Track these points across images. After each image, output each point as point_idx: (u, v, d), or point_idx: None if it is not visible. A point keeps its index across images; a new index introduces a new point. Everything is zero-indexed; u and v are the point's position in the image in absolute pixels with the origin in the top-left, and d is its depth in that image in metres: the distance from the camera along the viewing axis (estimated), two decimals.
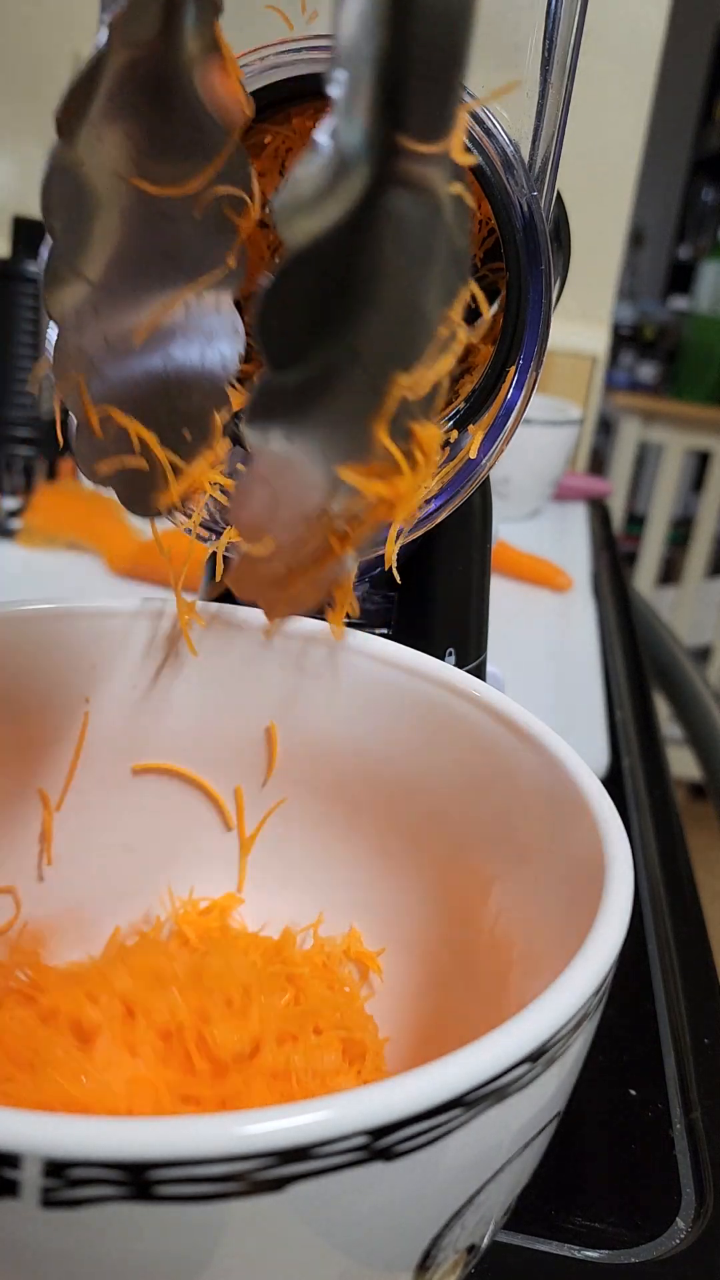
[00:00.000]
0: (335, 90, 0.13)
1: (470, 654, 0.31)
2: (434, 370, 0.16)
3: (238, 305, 0.20)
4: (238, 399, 0.21)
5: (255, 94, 0.24)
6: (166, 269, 0.19)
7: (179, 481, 0.21)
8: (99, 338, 0.19)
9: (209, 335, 0.20)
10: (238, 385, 0.21)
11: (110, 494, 0.20)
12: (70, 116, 0.16)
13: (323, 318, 0.15)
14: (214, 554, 0.25)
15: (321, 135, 0.13)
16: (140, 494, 0.20)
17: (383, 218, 0.14)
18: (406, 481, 0.16)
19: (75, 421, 0.19)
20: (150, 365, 0.19)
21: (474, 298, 0.30)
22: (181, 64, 0.17)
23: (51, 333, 0.18)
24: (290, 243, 0.14)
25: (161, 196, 0.18)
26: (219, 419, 0.21)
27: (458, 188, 0.15)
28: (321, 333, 0.15)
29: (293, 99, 0.24)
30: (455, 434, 0.25)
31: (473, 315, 0.30)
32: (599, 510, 0.94)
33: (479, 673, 0.31)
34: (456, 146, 0.14)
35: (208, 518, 0.25)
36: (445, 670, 0.23)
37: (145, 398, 0.20)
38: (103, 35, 0.16)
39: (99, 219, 0.18)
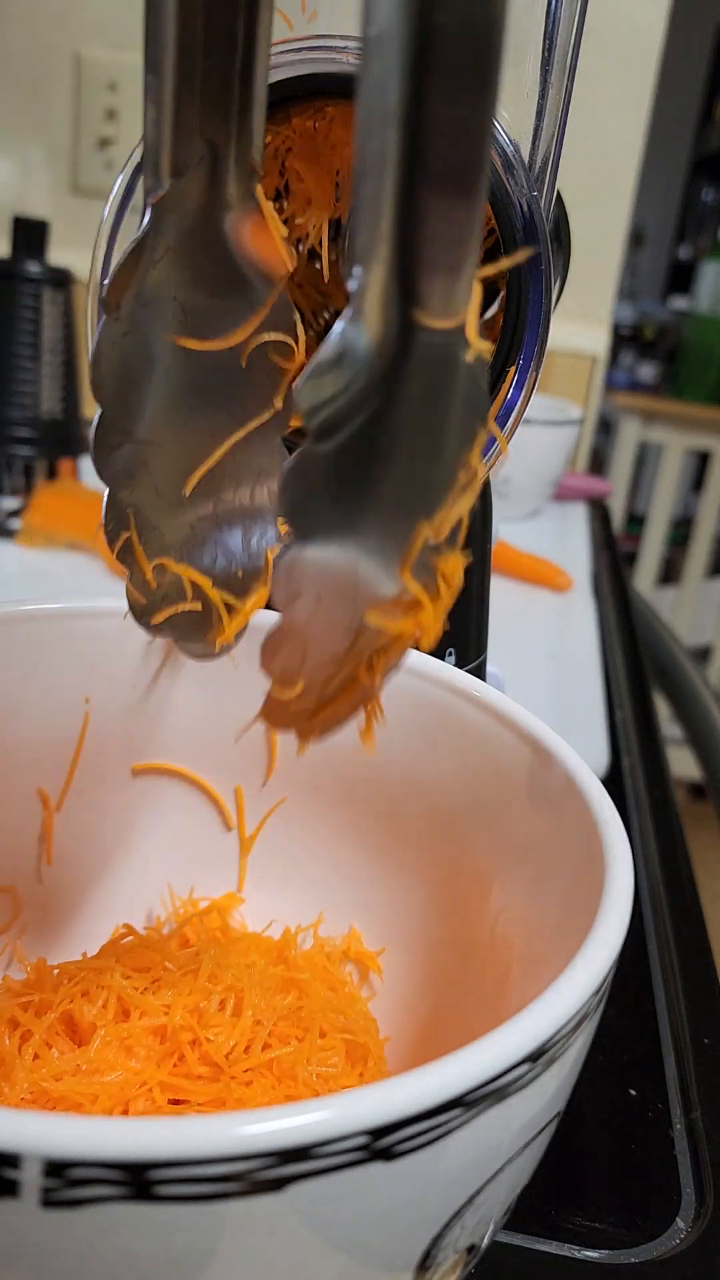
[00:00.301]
0: (352, 285, 0.14)
1: (470, 654, 0.30)
2: (455, 510, 0.16)
3: (285, 443, 0.21)
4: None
5: None
6: (214, 417, 0.20)
7: (233, 620, 0.21)
8: (150, 491, 0.19)
9: (257, 475, 0.21)
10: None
11: (166, 637, 0.21)
12: (118, 294, 0.17)
13: (344, 483, 0.15)
14: None
15: (339, 325, 0.14)
16: (195, 636, 0.21)
17: (401, 391, 0.15)
18: (429, 615, 0.17)
19: (128, 576, 0.20)
20: (200, 510, 0.20)
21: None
22: (223, 227, 0.18)
23: (104, 494, 0.19)
24: (310, 427, 0.14)
25: (207, 351, 0.19)
26: (270, 555, 0.22)
27: (474, 354, 0.15)
28: (343, 497, 0.16)
29: (293, 99, 0.24)
30: None
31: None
32: (599, 510, 0.94)
33: (479, 673, 0.31)
34: (471, 323, 0.15)
35: None
36: (445, 670, 0.23)
37: (196, 541, 0.20)
38: (147, 216, 0.17)
39: (147, 380, 0.18)
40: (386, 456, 0.15)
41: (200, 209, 0.17)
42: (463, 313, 0.14)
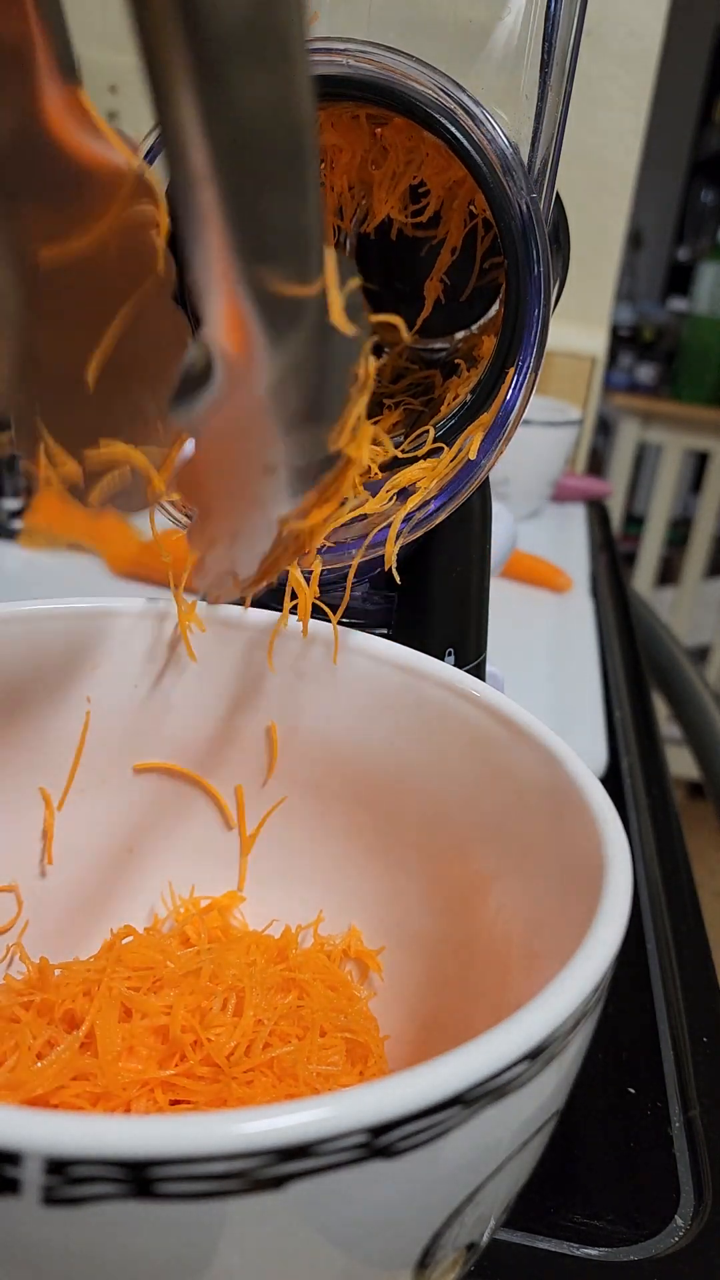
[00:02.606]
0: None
1: (470, 654, 0.31)
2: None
3: (179, 300, 0.21)
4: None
5: None
6: (96, 302, 0.19)
7: (161, 470, 0.21)
8: (50, 391, 0.19)
9: (158, 339, 0.20)
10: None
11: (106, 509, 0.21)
12: None
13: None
14: None
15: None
16: (130, 496, 0.21)
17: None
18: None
19: (48, 480, 0.20)
20: (107, 388, 0.20)
21: (476, 293, 0.30)
22: (51, 138, 0.17)
23: (11, 421, 0.19)
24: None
25: (69, 258, 0.18)
26: None
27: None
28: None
29: None
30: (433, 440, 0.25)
31: (473, 314, 0.30)
32: (598, 511, 0.94)
33: (479, 673, 0.31)
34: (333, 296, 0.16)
35: None
36: (445, 670, 0.23)
37: (109, 416, 0.20)
38: None
39: (11, 300, 0.18)
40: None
41: (17, 124, 0.16)
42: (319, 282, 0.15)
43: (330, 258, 0.15)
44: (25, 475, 0.21)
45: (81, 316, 0.19)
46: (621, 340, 2.34)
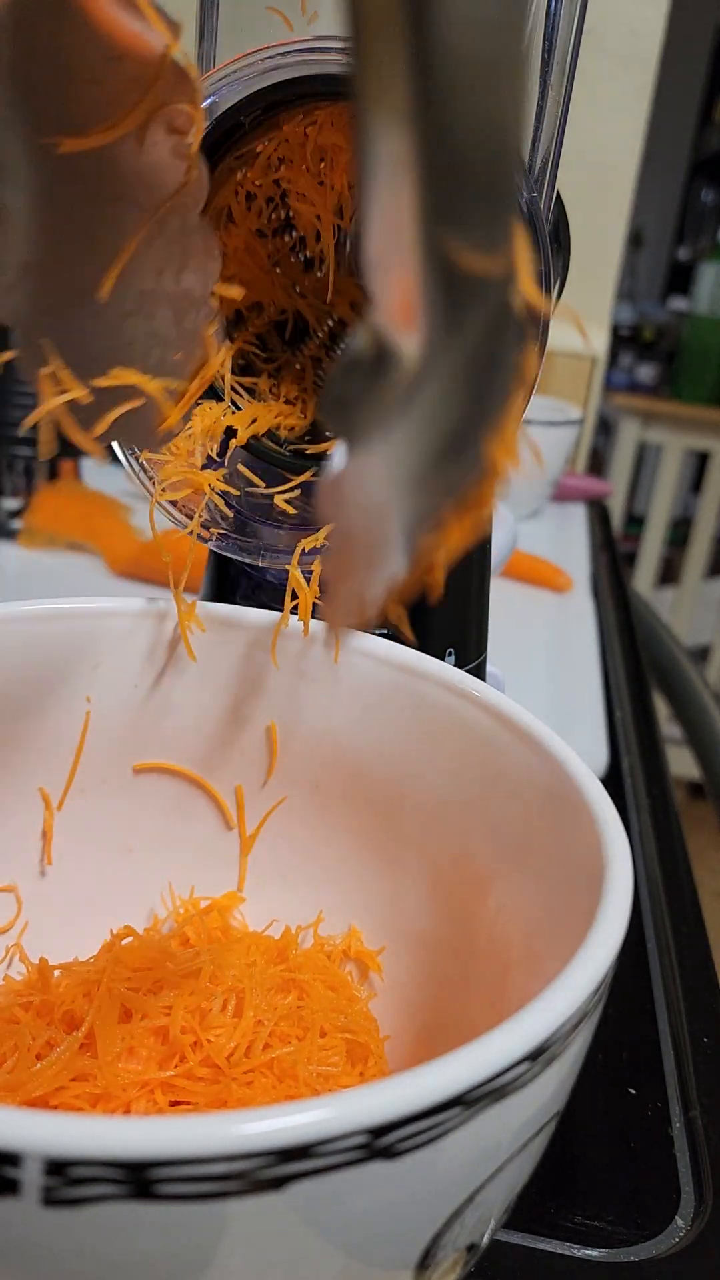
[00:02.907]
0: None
1: (470, 654, 0.31)
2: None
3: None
4: (230, 291, 0.20)
5: (255, 96, 0.24)
6: (114, 211, 0.17)
7: (177, 406, 0.20)
8: (59, 308, 0.18)
9: (182, 255, 0.18)
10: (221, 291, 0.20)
11: (115, 449, 0.20)
12: None
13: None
14: (215, 555, 0.25)
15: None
16: (140, 429, 0.20)
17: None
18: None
19: (61, 400, 0.18)
20: (122, 307, 0.18)
21: None
22: (78, 7, 0.14)
23: (13, 334, 0.17)
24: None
25: (92, 149, 0.16)
26: (207, 332, 0.20)
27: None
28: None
29: (292, 101, 0.24)
30: None
31: None
32: (598, 511, 0.94)
33: (479, 673, 0.31)
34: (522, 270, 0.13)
35: (208, 518, 0.25)
36: (445, 670, 0.23)
37: (123, 338, 0.18)
38: None
39: (15, 200, 0.16)
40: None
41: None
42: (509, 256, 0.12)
43: (520, 231, 0.12)
44: (32, 386, 0.19)
45: (100, 223, 0.17)
46: (621, 340, 2.34)
